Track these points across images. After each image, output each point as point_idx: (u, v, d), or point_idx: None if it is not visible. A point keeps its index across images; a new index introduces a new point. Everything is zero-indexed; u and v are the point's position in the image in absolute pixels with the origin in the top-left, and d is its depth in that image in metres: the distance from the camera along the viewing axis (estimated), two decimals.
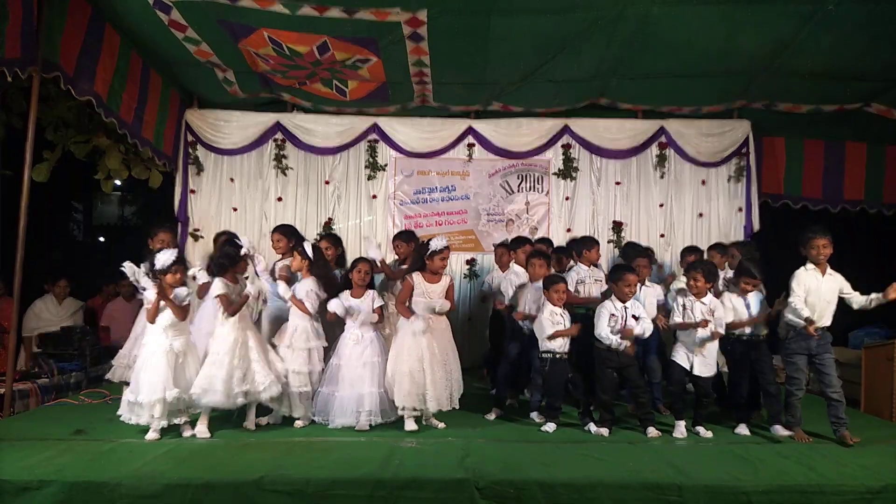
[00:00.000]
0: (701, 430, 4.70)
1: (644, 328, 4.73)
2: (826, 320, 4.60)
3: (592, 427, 4.74)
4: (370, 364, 4.77)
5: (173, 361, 4.36)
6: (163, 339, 4.38)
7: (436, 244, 4.84)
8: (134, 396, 4.32)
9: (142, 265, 4.63)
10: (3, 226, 7.85)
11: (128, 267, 4.51)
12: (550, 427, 4.79)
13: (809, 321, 4.44)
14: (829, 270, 4.63)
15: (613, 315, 4.74)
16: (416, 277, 4.84)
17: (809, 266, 4.63)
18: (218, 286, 4.58)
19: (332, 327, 5.06)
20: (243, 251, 4.78)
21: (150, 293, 4.41)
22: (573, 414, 5.04)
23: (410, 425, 4.67)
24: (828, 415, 4.57)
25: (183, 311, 4.45)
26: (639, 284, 5.24)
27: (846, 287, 4.63)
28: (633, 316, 4.73)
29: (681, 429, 4.69)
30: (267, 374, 4.58)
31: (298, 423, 4.77)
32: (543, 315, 4.88)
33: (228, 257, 4.70)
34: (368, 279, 4.96)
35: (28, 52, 4.73)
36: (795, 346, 4.62)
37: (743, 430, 4.73)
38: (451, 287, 4.96)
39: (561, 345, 4.83)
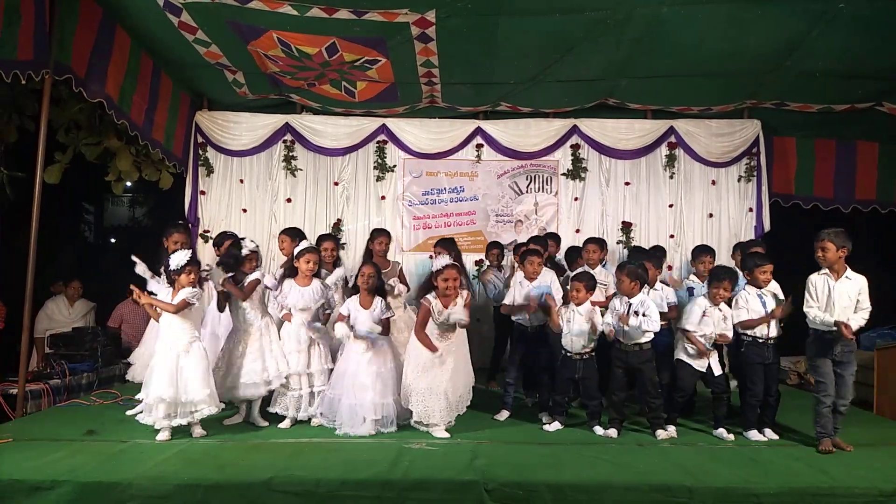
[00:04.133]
0: (723, 432, 4.66)
1: (640, 321, 4.63)
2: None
3: (599, 429, 4.73)
4: (382, 373, 4.70)
5: (175, 362, 4.38)
6: (169, 339, 4.43)
7: (437, 263, 4.74)
8: (143, 396, 4.39)
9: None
10: (15, 227, 7.93)
11: (140, 265, 4.80)
12: (553, 426, 4.81)
13: (839, 324, 4.26)
14: (847, 274, 4.41)
15: (616, 308, 4.77)
16: (434, 301, 4.69)
17: (822, 271, 4.46)
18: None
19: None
20: (245, 251, 4.93)
21: (162, 293, 4.47)
22: (581, 415, 5.02)
23: (440, 433, 4.59)
24: (831, 420, 4.43)
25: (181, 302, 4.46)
26: (646, 287, 5.22)
27: (863, 296, 4.39)
28: (635, 312, 4.69)
29: (671, 430, 4.71)
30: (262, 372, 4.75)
31: (283, 424, 4.79)
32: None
33: (233, 257, 4.87)
34: (373, 283, 4.84)
35: (40, 55, 4.77)
36: (818, 350, 4.44)
37: (755, 435, 4.65)
38: (468, 303, 4.79)
39: (582, 345, 4.83)
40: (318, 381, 4.87)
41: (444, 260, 4.75)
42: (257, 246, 5.15)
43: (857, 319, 4.36)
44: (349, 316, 4.79)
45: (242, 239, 5.12)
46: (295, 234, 5.71)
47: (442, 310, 4.68)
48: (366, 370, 4.67)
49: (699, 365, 4.83)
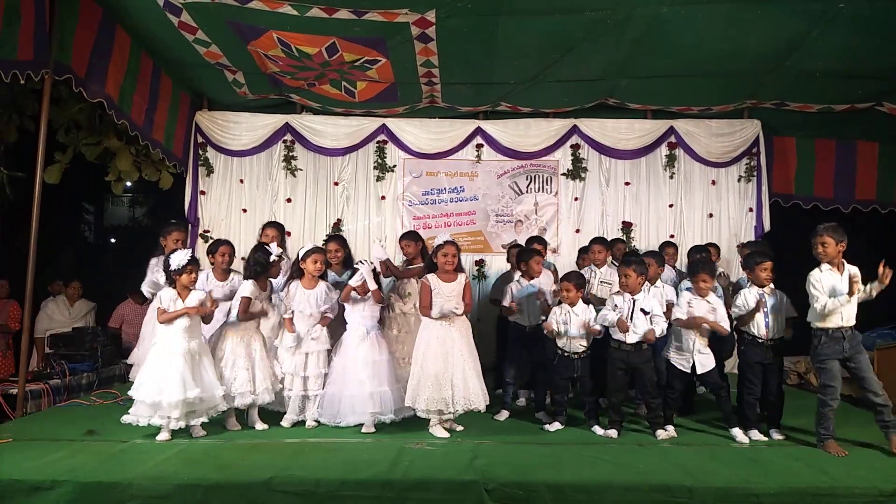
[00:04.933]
0: (738, 432, 4.59)
1: (656, 323, 4.65)
2: (852, 320, 4.35)
3: (598, 429, 4.73)
4: (378, 362, 4.77)
5: (191, 362, 4.38)
6: (180, 340, 4.39)
7: (437, 240, 4.84)
8: (153, 398, 4.26)
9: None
10: (15, 227, 7.93)
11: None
12: (554, 426, 4.82)
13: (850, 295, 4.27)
14: (845, 266, 4.38)
15: (617, 306, 4.74)
16: (432, 279, 4.74)
17: (825, 266, 4.40)
18: (247, 287, 4.72)
19: (333, 327, 5.06)
20: (273, 257, 4.83)
21: (165, 293, 4.45)
22: (581, 415, 5.02)
23: (439, 432, 4.59)
24: (876, 420, 4.38)
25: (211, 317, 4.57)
26: (648, 284, 5.23)
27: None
28: (642, 310, 4.69)
29: (670, 430, 4.70)
30: (263, 378, 4.70)
31: (284, 422, 4.81)
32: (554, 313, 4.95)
33: (260, 264, 4.81)
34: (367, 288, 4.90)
35: (40, 55, 4.77)
36: (828, 351, 4.34)
37: (756, 434, 4.63)
38: (468, 286, 4.83)
39: (580, 345, 4.84)
40: (314, 384, 4.84)
41: (444, 236, 4.83)
42: (282, 252, 5.06)
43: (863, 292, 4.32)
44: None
45: (267, 245, 4.94)
46: (281, 228, 5.79)
47: (440, 289, 4.70)
48: (362, 362, 4.73)
49: (684, 364, 4.77)
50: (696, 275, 4.86)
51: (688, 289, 5.00)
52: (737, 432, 4.60)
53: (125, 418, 4.34)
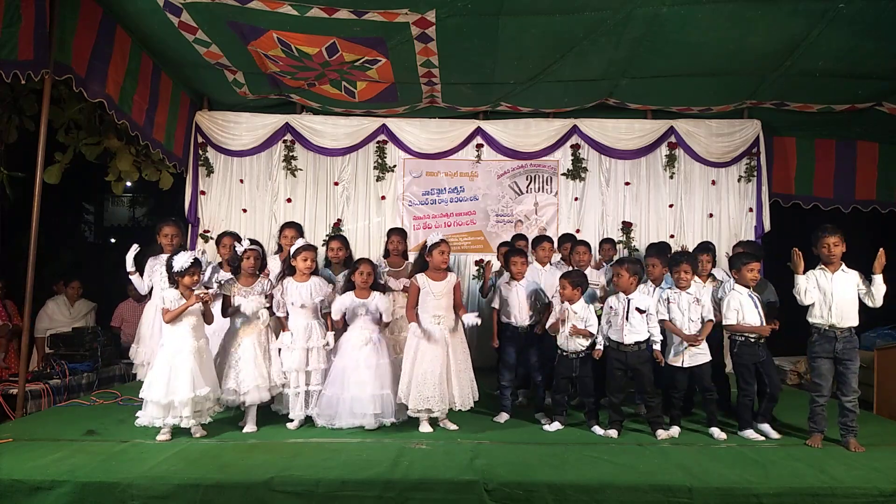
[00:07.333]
0: (715, 430, 4.65)
1: (651, 322, 4.68)
2: (847, 320, 4.39)
3: (598, 429, 4.74)
4: (380, 366, 4.76)
5: (199, 360, 4.40)
6: (189, 339, 4.40)
7: (431, 238, 4.87)
8: (166, 398, 4.26)
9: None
10: (15, 227, 7.93)
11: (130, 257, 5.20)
12: (554, 426, 4.82)
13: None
14: (842, 268, 4.46)
15: (612, 307, 4.76)
16: (421, 278, 4.83)
17: (819, 267, 4.51)
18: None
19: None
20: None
21: (169, 293, 4.44)
22: (581, 415, 5.02)
23: (425, 427, 4.68)
24: (838, 419, 4.47)
25: (211, 315, 4.60)
26: (652, 285, 5.23)
27: (861, 283, 4.43)
28: (638, 308, 4.69)
29: (673, 430, 4.70)
30: (255, 377, 4.67)
31: (291, 425, 4.78)
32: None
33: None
34: (371, 281, 4.88)
35: (41, 55, 4.78)
36: (819, 349, 4.44)
37: (751, 434, 4.64)
38: (457, 286, 4.90)
39: (579, 344, 4.82)
40: (315, 379, 4.85)
41: (438, 235, 4.89)
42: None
43: (866, 287, 4.38)
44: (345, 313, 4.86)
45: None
46: (299, 228, 5.81)
47: (430, 287, 4.75)
48: (364, 364, 4.72)
49: (679, 361, 4.74)
50: (676, 267, 4.87)
51: (669, 287, 4.99)
52: (714, 431, 4.66)
53: (139, 421, 4.35)
